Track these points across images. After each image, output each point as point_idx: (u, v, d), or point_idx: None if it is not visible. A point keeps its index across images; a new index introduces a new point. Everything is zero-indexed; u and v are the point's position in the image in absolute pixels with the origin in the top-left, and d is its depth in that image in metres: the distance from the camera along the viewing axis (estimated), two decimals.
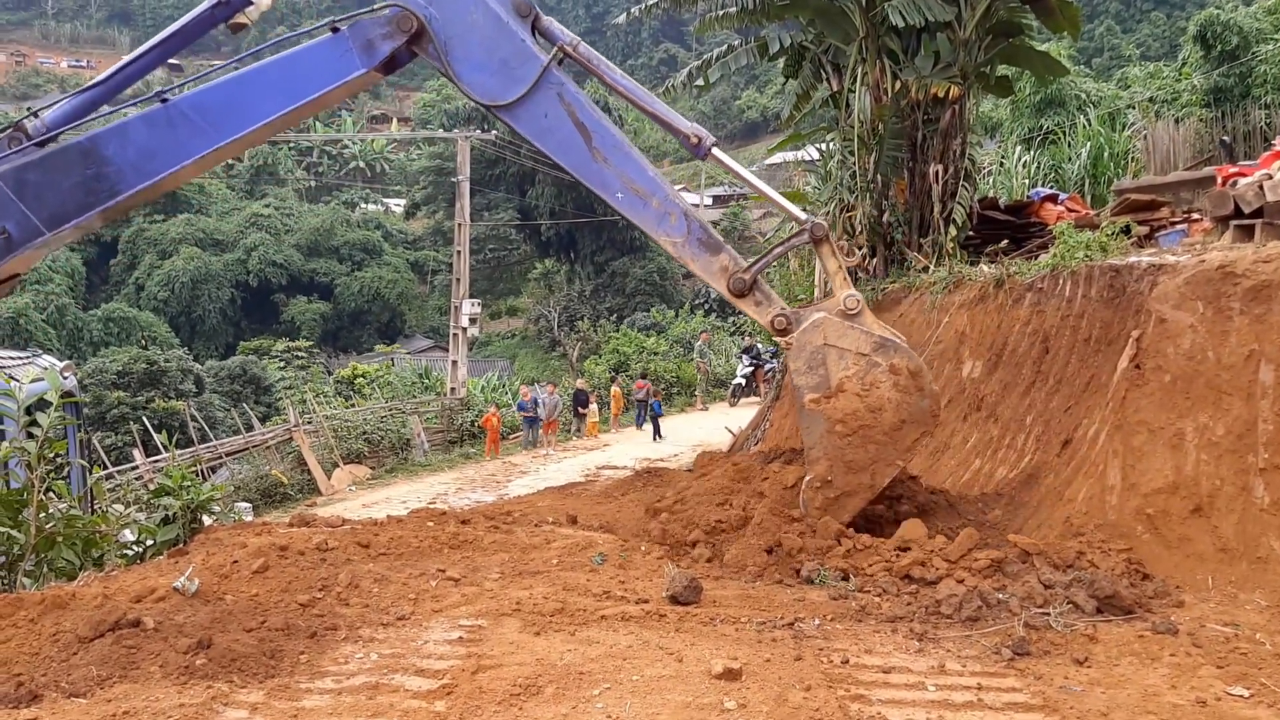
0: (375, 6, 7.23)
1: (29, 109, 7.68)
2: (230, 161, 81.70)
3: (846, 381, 6.98)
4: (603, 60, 7.69)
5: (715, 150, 7.68)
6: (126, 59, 7.56)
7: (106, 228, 64.03)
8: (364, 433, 28.49)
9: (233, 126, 7.24)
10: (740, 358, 33.58)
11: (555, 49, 7.37)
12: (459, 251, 34.44)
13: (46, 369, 9.05)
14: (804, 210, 9.66)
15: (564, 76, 7.45)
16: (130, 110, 7.50)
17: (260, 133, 7.53)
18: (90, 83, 7.59)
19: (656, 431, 26.94)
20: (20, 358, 11.30)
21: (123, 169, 7.05)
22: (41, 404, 6.43)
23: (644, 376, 33.42)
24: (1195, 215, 11.35)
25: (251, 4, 7.46)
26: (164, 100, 7.12)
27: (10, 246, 6.89)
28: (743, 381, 32.28)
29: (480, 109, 8.08)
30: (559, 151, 7.56)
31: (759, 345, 32.01)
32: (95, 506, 7.66)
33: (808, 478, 7.03)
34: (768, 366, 29.48)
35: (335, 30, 7.28)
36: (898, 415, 6.90)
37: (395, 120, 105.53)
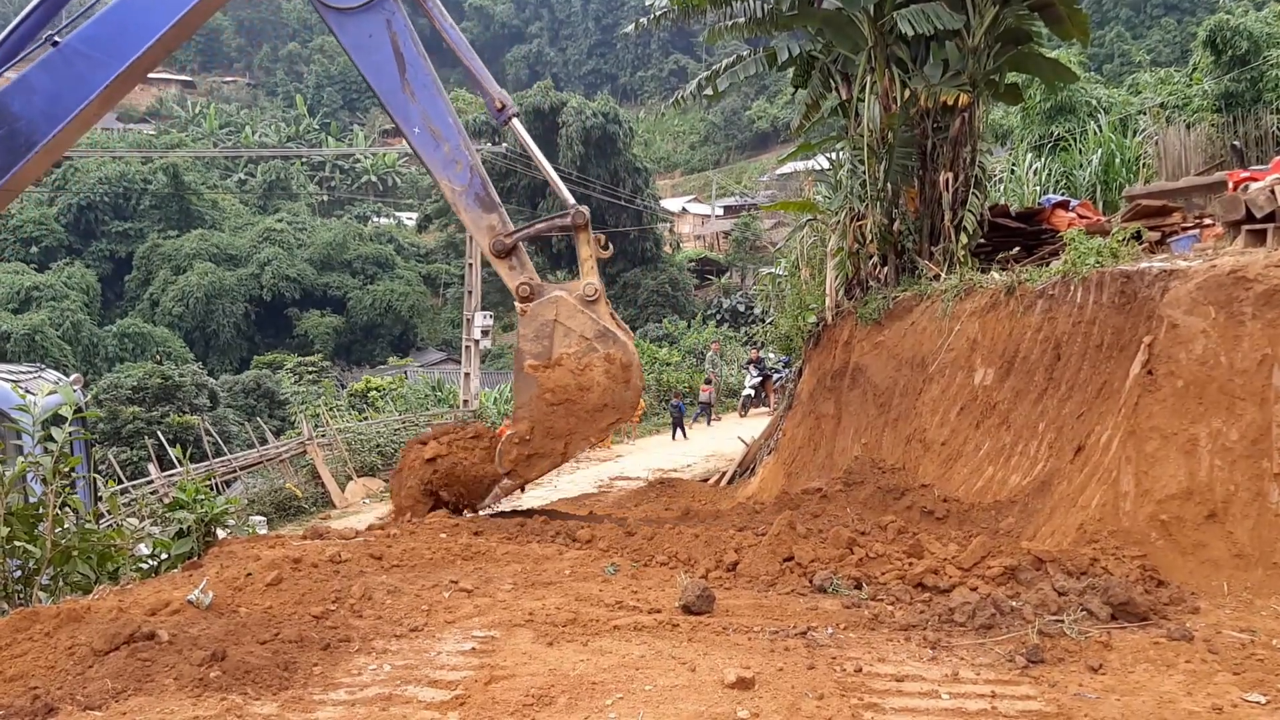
0: None
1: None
2: (243, 177, 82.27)
3: (565, 358, 7.62)
4: (440, 9, 8.11)
5: (515, 121, 8.33)
6: (15, 22, 7.66)
7: (120, 245, 64.52)
8: (377, 446, 28.52)
9: (126, 49, 7.37)
10: (747, 369, 33.61)
11: None
12: (471, 264, 34.49)
13: (56, 384, 9.10)
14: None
15: (397, 6, 7.78)
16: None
17: (154, 50, 7.61)
18: None
19: (677, 430, 27.83)
20: (26, 373, 11.36)
21: (34, 119, 7.18)
22: (56, 419, 6.47)
23: (708, 382, 35.05)
24: (1207, 220, 11.32)
25: None
26: (55, 44, 7.24)
27: None
28: (751, 392, 32.31)
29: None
30: (372, 73, 7.88)
31: (765, 357, 32.06)
32: (110, 520, 7.70)
33: (509, 433, 7.67)
34: (776, 377, 29.53)
35: None
36: (602, 398, 7.57)
37: None
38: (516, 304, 8.07)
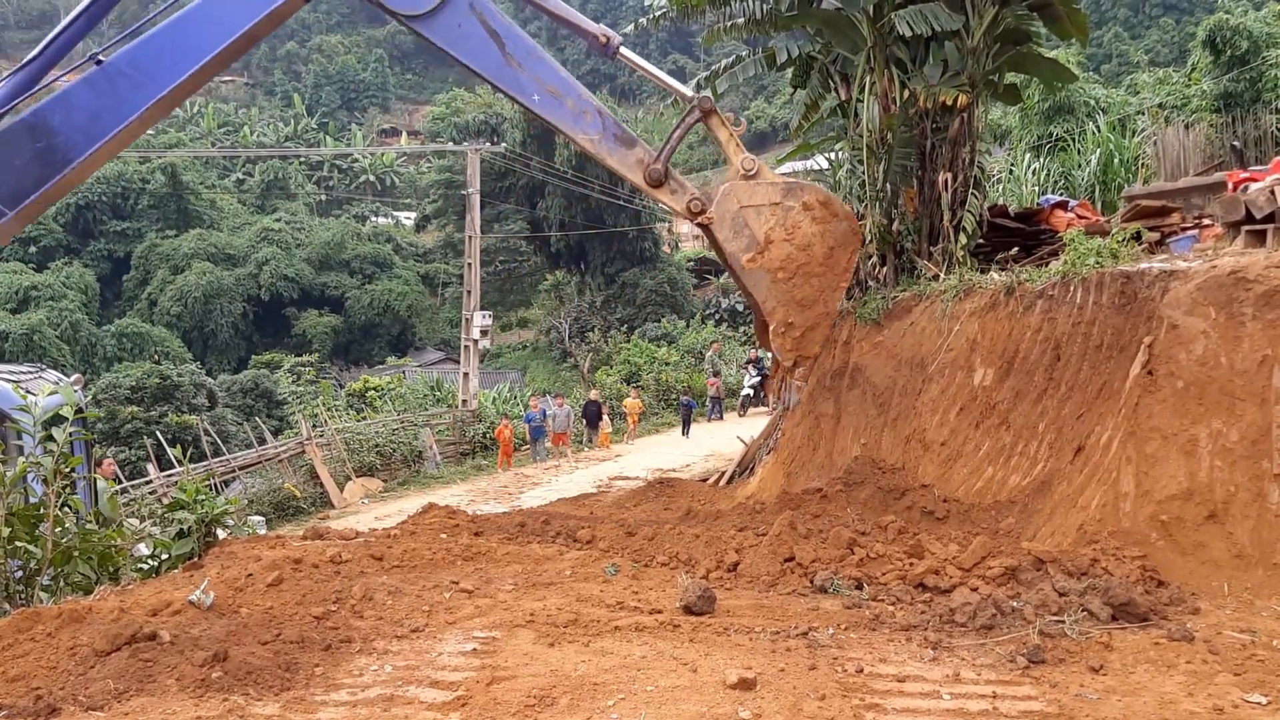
0: None
1: None
2: (241, 177, 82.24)
3: (771, 232, 7.61)
4: None
5: (623, 49, 8.26)
6: (53, 33, 7.65)
7: (118, 244, 64.46)
8: (376, 445, 28.52)
9: (170, 73, 7.41)
10: (746, 369, 33.66)
11: None
12: (470, 264, 34.50)
13: (57, 384, 9.09)
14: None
15: None
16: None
17: (198, 76, 7.65)
18: (22, 62, 7.69)
19: (686, 427, 28.30)
20: (26, 373, 11.35)
21: (72, 136, 7.16)
22: (57, 419, 6.47)
23: (716, 374, 35.59)
24: (1206, 221, 11.33)
25: None
26: (99, 62, 7.22)
27: None
28: (750, 392, 32.32)
29: (408, 29, 8.48)
30: (474, 58, 7.84)
31: (764, 357, 32.10)
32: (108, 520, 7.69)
33: (771, 327, 7.61)
34: None
35: None
36: (825, 244, 7.61)
37: (405, 134, 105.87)
38: (695, 221, 8.04)
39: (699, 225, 8.10)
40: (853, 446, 11.59)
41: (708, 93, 8.14)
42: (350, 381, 45.81)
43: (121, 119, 7.33)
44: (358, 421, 31.66)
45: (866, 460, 10.31)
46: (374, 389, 38.74)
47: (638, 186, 8.15)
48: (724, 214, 7.62)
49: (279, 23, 8.46)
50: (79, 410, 6.56)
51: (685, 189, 7.97)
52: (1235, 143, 19.37)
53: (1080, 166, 21.52)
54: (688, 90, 8.19)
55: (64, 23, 7.72)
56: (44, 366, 13.37)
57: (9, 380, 8.70)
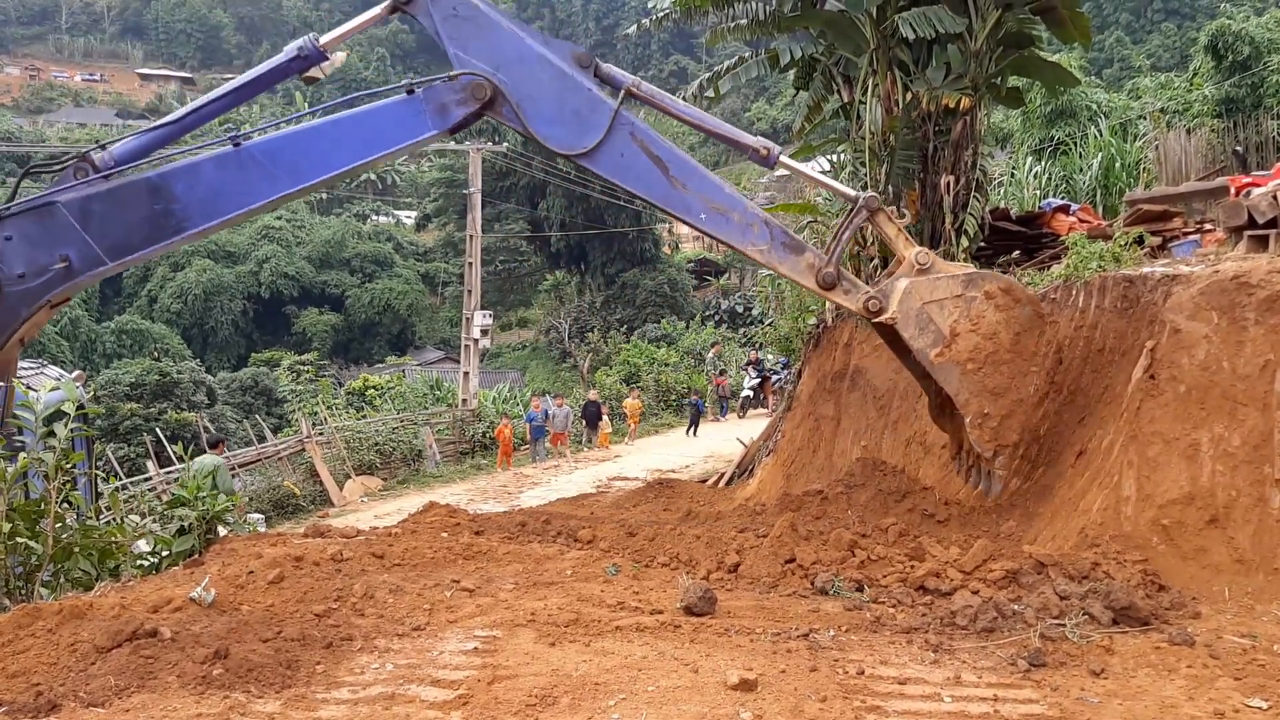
0: (450, 74, 7.55)
1: (97, 142, 7.84)
2: None
3: (956, 325, 7.50)
4: (664, 94, 8.21)
5: (783, 158, 8.33)
6: (200, 101, 7.82)
7: None
8: (376, 444, 28.53)
9: (302, 174, 7.47)
10: (746, 370, 33.67)
11: (622, 92, 7.84)
12: (470, 263, 34.50)
13: (58, 379, 9.10)
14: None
15: (632, 116, 7.83)
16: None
17: (325, 182, 7.77)
18: (160, 121, 7.86)
19: (693, 426, 28.74)
20: (26, 369, 11.37)
21: (189, 207, 7.22)
22: (58, 415, 6.47)
23: (722, 373, 36.08)
24: (1208, 226, 11.32)
25: (327, 59, 7.72)
26: (236, 144, 7.29)
27: (70, 274, 7.04)
28: (750, 394, 32.33)
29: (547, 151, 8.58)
30: (639, 185, 7.88)
31: (764, 358, 32.10)
32: (110, 516, 7.70)
33: (968, 420, 7.52)
34: (775, 378, 29.59)
35: (411, 92, 7.57)
36: (1010, 331, 7.48)
37: None
38: (872, 321, 7.98)
39: (876, 325, 8.07)
40: (853, 448, 11.61)
41: (873, 193, 8.22)
42: (350, 380, 45.81)
43: (243, 204, 7.41)
44: (357, 420, 31.66)
45: (867, 462, 10.32)
46: (374, 388, 38.76)
47: (811, 291, 8.20)
48: (907, 312, 7.59)
49: (416, 151, 8.57)
50: (80, 406, 6.55)
51: (859, 288, 7.96)
52: (1237, 148, 19.37)
53: (1082, 170, 21.53)
54: (850, 190, 8.21)
55: (210, 95, 7.83)
56: (44, 363, 13.40)
57: None
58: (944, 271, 7.72)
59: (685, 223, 8.13)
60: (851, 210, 8.01)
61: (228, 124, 28.58)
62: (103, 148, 7.40)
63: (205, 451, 14.26)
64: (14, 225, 6.97)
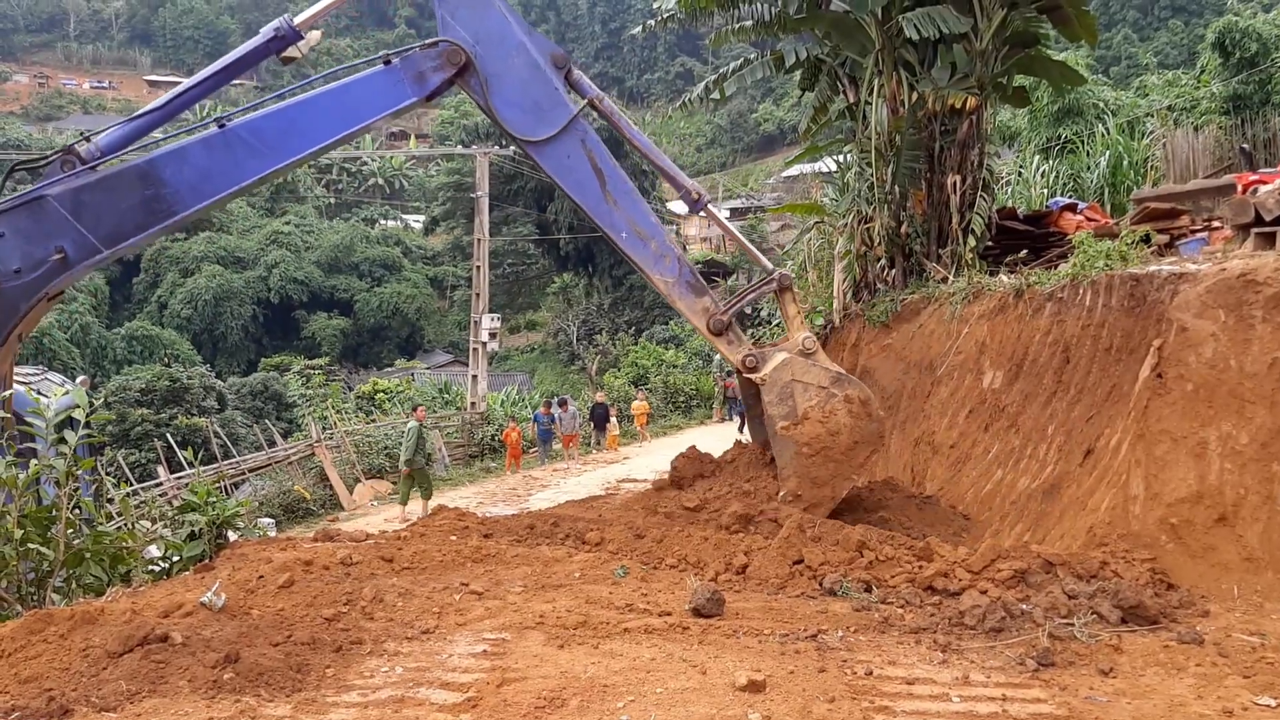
0: (426, 41, 7.88)
1: (82, 133, 7.98)
2: None
3: (810, 410, 8.07)
4: (623, 116, 8.64)
5: (710, 207, 8.93)
6: (181, 87, 8.01)
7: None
8: (385, 448, 28.57)
9: (288, 149, 7.75)
10: None
11: (585, 101, 8.22)
12: (478, 266, 34.56)
13: (62, 386, 9.15)
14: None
15: (587, 125, 8.22)
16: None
17: (312, 154, 8.05)
18: (144, 109, 7.99)
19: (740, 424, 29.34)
20: (31, 375, 11.44)
21: (180, 190, 7.38)
22: (68, 421, 6.50)
23: (729, 375, 35.28)
24: (1216, 223, 11.30)
25: (303, 38, 7.96)
26: (221, 125, 7.46)
27: (66, 265, 7.17)
28: None
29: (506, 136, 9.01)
30: (575, 189, 8.32)
31: None
32: (120, 521, 7.73)
33: (782, 493, 8.04)
34: None
35: (388, 63, 7.90)
36: (852, 437, 8.01)
37: (414, 137, 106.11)
38: (747, 376, 8.49)
39: (745, 378, 8.65)
40: None
41: (788, 270, 8.82)
42: (359, 384, 45.93)
43: (232, 184, 7.63)
44: (367, 424, 31.72)
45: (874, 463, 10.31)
46: (383, 391, 38.84)
47: (699, 332, 8.72)
48: (775, 380, 8.19)
49: (396, 118, 8.88)
50: (89, 412, 6.59)
51: (743, 342, 8.59)
52: (1244, 145, 19.29)
53: (1089, 169, 21.47)
54: (768, 264, 8.81)
55: (191, 80, 8.03)
56: (48, 369, 13.46)
57: (19, 383, 8.76)
58: (822, 362, 8.31)
59: (606, 237, 8.48)
60: (763, 281, 8.70)
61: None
62: (88, 139, 7.53)
63: (217, 459, 14.34)
64: (6, 222, 7.10)
